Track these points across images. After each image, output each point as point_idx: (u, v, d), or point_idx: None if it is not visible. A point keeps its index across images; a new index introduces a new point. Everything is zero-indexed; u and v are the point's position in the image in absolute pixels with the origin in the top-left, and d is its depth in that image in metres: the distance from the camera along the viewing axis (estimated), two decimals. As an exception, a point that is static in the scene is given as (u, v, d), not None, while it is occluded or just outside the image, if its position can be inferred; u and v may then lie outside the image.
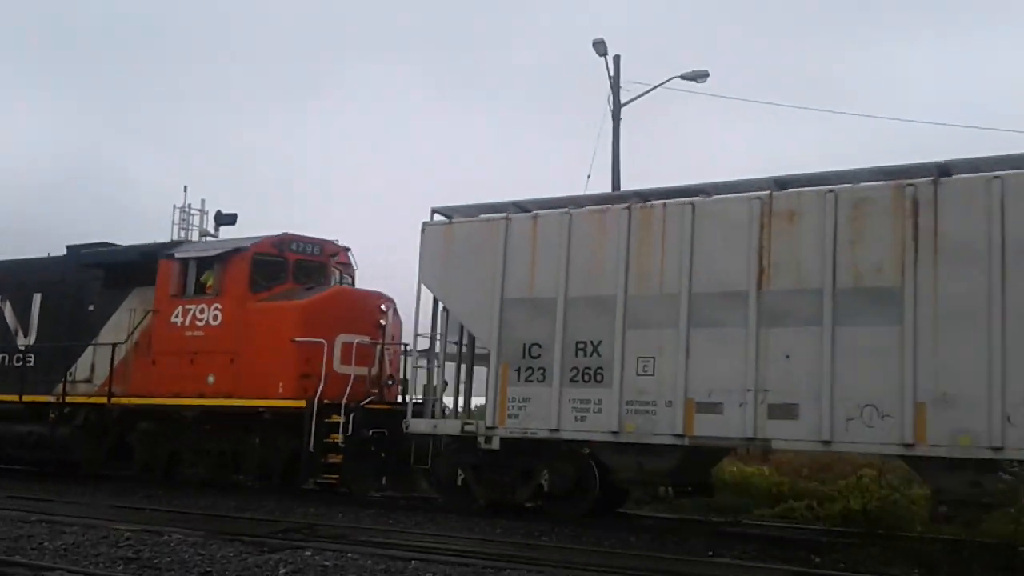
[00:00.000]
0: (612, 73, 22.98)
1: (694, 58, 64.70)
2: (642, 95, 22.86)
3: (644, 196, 12.00)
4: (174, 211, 16.70)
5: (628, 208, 11.71)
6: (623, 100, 22.93)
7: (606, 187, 21.51)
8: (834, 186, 10.68)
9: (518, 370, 11.99)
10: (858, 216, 10.39)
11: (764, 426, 10.43)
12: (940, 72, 56.54)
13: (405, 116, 66.48)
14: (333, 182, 66.98)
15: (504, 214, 12.57)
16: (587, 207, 12.26)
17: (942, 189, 10.07)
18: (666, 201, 11.66)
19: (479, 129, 67.00)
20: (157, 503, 13.20)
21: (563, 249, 11.92)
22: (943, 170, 10.28)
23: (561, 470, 12.05)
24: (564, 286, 11.83)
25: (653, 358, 11.18)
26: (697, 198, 11.45)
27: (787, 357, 10.38)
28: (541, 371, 11.84)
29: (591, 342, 11.58)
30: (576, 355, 11.64)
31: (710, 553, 9.97)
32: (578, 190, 15.60)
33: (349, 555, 8.89)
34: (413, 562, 8.60)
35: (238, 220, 16.83)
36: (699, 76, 22.96)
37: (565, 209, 12.22)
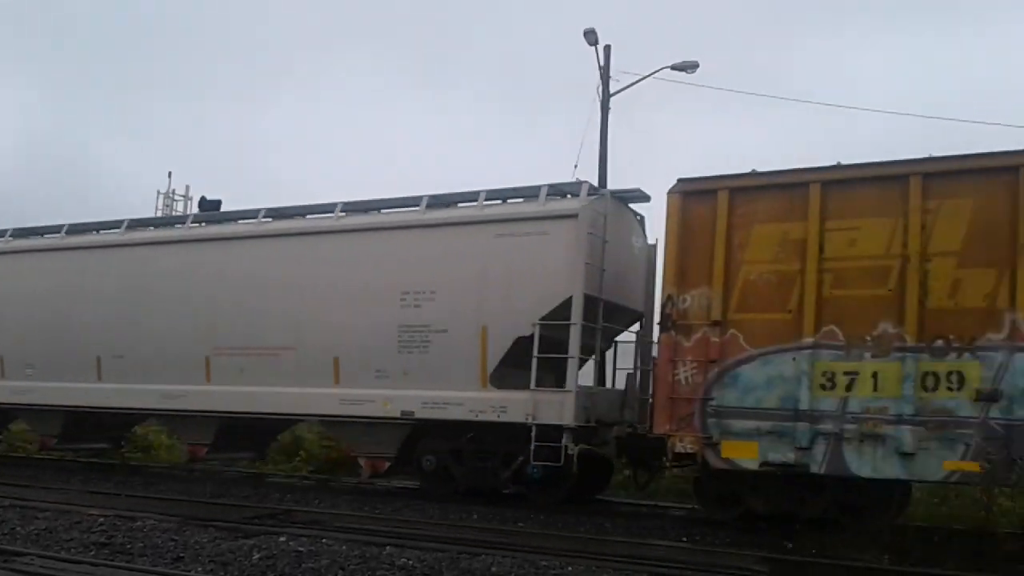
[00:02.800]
0: (602, 63, 22.94)
1: (682, 51, 64.69)
2: (632, 84, 22.79)
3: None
4: (158, 196, 16.68)
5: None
6: (612, 90, 22.91)
7: (593, 177, 21.52)
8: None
9: None
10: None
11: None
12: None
13: (384, 103, 66.07)
14: (312, 168, 66.58)
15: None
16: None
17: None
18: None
19: (457, 116, 66.77)
20: (132, 489, 13.18)
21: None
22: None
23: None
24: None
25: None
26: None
27: None
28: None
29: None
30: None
31: (683, 539, 10.02)
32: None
33: (324, 541, 8.88)
34: (388, 548, 8.61)
35: (222, 206, 16.77)
36: (689, 67, 22.90)
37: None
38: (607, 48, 22.79)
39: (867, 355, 9.58)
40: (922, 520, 10.46)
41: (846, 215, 9.92)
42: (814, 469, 9.71)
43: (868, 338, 9.60)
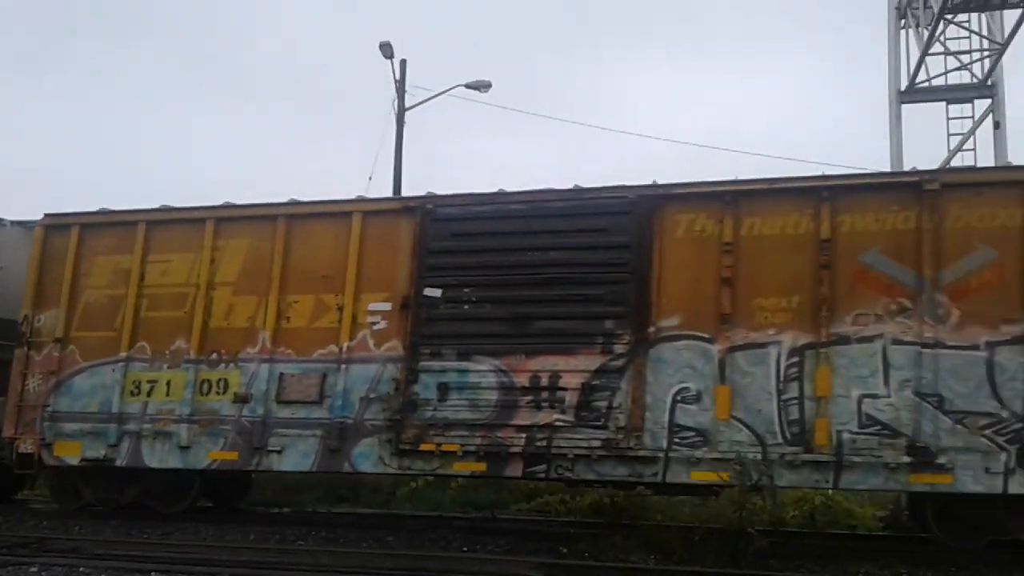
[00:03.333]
0: (398, 77, 23.02)
1: (478, 69, 65.70)
2: (426, 100, 23.05)
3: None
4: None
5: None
6: (408, 104, 23.02)
7: (387, 190, 21.51)
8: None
9: None
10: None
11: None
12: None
13: (150, 104, 62.17)
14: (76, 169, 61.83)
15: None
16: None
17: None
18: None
19: (233, 123, 64.25)
20: None
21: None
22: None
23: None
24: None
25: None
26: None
27: None
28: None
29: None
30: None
31: (464, 549, 10.12)
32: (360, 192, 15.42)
33: (81, 569, 8.32)
34: (153, 574, 8.16)
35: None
36: (482, 86, 23.43)
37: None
38: (403, 62, 22.95)
39: (165, 366, 11.63)
40: (686, 520, 11.08)
41: (163, 250, 11.98)
42: (119, 462, 11.62)
43: (167, 352, 11.65)
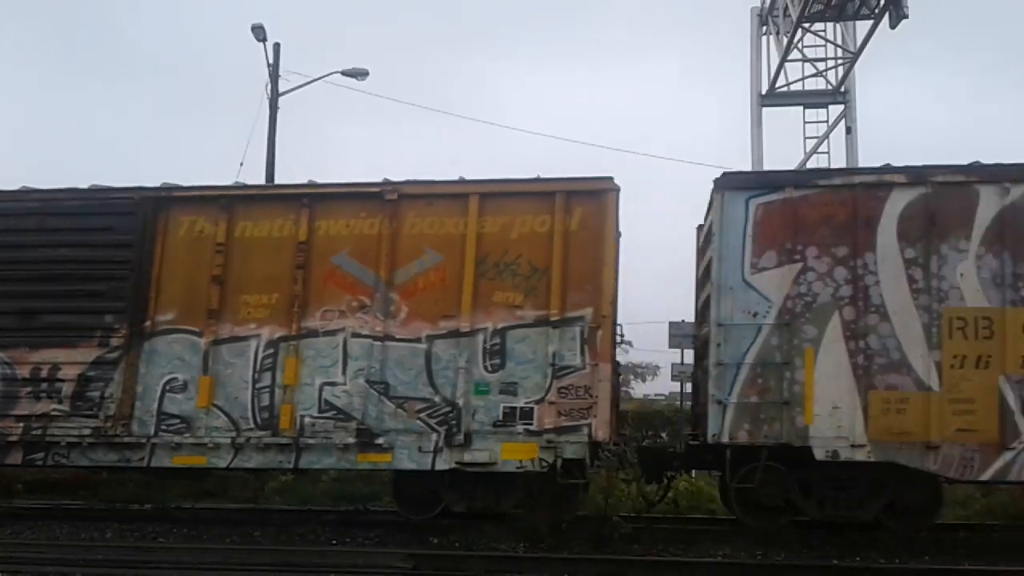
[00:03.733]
0: (271, 60, 22.42)
1: (358, 58, 64.89)
2: (302, 86, 22.51)
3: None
4: None
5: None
6: (282, 89, 22.45)
7: (260, 177, 20.96)
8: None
9: None
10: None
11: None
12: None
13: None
14: None
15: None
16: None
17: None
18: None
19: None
20: None
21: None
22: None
23: None
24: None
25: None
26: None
27: None
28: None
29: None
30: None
31: (334, 542, 10.02)
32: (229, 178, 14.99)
33: (-82, 573, 7.79)
34: (2, 574, 7.73)
35: None
36: (359, 74, 23.10)
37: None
38: (276, 46, 22.38)
39: None
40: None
41: None
42: None
43: None
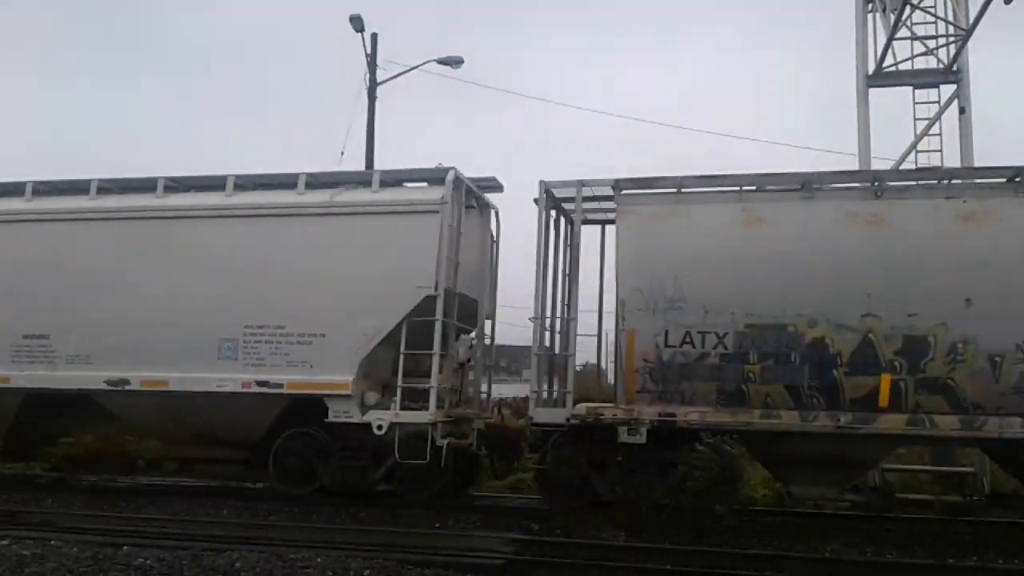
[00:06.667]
0: (369, 51, 22.79)
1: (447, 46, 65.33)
2: (399, 75, 22.82)
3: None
4: None
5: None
6: (379, 79, 22.81)
7: (360, 165, 21.39)
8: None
9: None
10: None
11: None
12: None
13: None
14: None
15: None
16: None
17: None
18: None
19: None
20: None
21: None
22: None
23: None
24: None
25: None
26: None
27: None
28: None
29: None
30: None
31: (436, 524, 10.23)
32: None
33: (52, 543, 8.31)
34: (125, 548, 8.18)
35: None
36: (454, 62, 23.26)
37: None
38: (374, 36, 22.70)
39: None
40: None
41: None
42: None
43: None
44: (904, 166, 14.61)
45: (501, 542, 9.09)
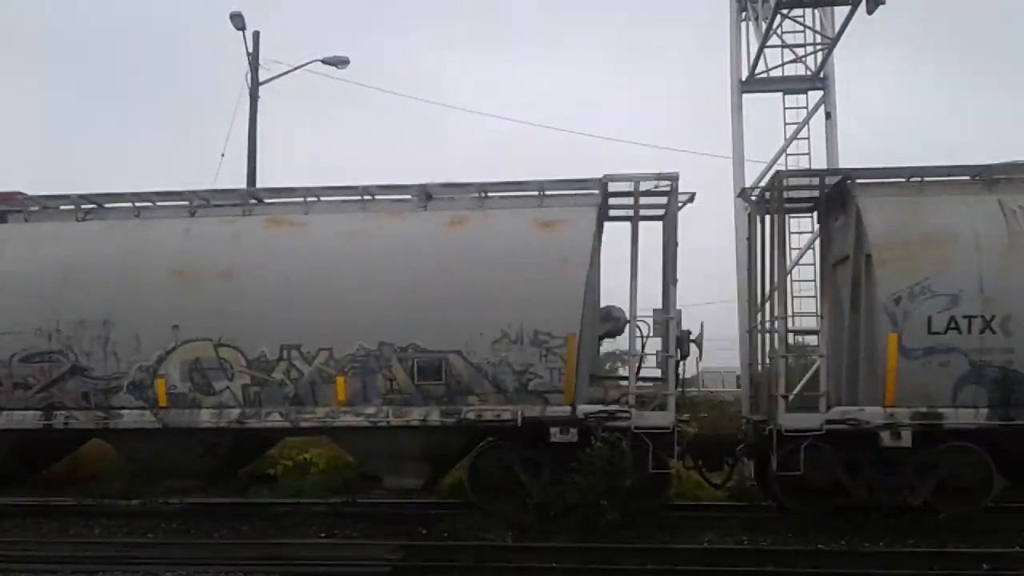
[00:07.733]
0: (251, 49, 22.24)
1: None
2: (282, 75, 22.34)
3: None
4: None
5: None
6: (262, 79, 22.28)
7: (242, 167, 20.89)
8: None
9: None
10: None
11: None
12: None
13: None
14: None
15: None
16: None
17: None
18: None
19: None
20: None
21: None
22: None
23: None
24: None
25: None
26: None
27: None
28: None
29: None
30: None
31: (322, 535, 10.06)
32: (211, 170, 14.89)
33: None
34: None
35: None
36: (340, 62, 22.95)
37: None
38: (256, 34, 22.18)
39: None
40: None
41: None
42: None
43: None
44: (776, 167, 15.21)
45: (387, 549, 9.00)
